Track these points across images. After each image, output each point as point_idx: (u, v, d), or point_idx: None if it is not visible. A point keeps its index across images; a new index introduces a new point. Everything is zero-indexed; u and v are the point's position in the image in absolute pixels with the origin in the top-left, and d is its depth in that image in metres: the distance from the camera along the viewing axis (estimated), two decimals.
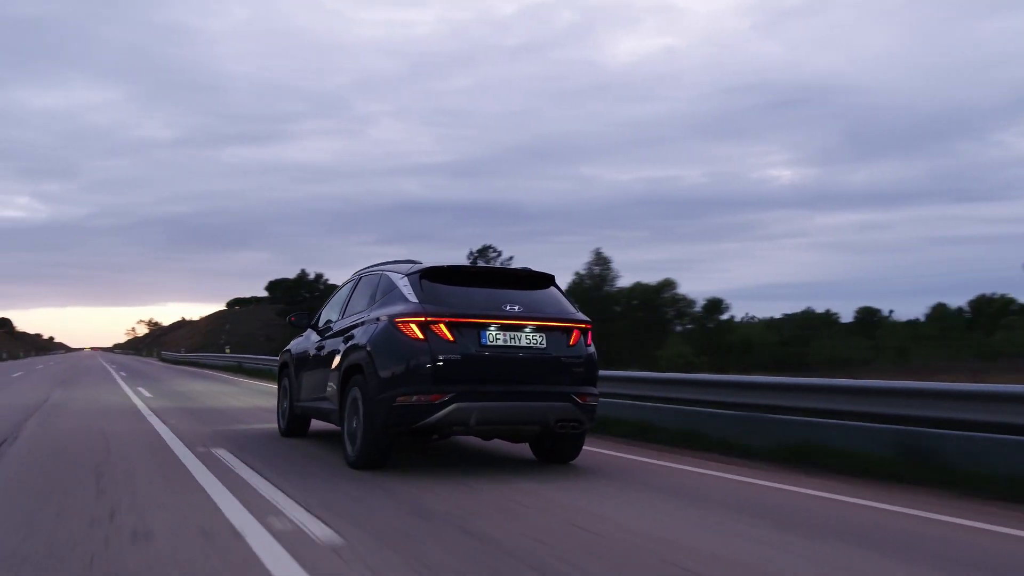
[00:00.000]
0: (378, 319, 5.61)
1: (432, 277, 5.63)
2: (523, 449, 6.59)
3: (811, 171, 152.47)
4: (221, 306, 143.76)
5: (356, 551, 3.26)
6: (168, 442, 6.89)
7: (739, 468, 5.99)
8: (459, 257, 61.41)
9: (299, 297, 75.27)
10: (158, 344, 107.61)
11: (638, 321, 68.07)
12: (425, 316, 5.27)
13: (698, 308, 67.69)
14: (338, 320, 6.62)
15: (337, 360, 6.06)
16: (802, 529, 3.94)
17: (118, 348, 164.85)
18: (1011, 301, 65.62)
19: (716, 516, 4.21)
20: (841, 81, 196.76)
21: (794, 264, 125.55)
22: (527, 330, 5.43)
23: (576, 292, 68.71)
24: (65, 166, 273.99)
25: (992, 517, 4.31)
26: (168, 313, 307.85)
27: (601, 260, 70.75)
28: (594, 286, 70.81)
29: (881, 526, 4.04)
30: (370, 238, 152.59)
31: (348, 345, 5.90)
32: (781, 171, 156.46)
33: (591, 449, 6.82)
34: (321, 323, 7.08)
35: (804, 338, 63.21)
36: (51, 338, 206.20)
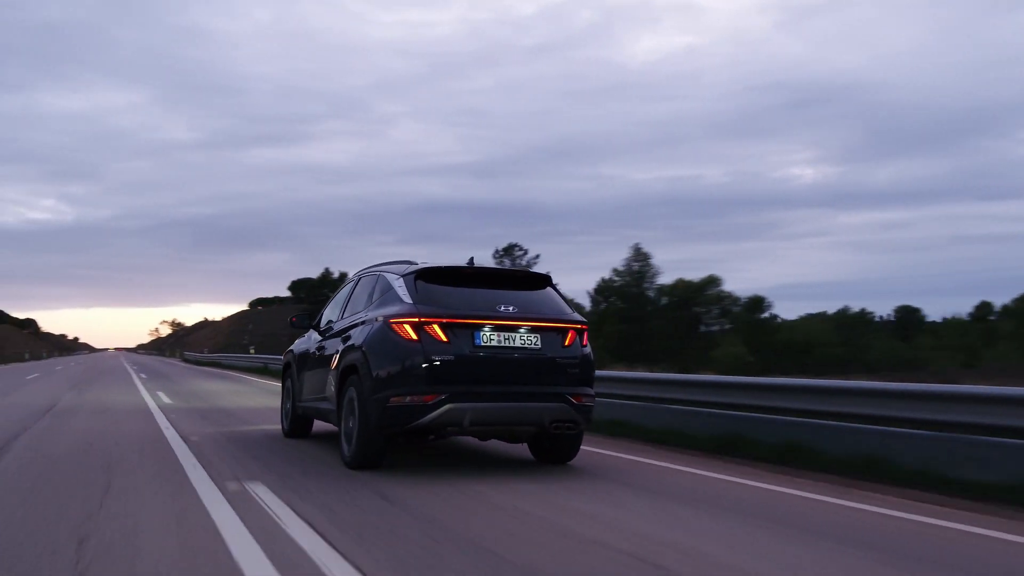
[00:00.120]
0: (374, 320, 5.92)
1: (427, 278, 5.92)
2: (522, 450, 6.85)
3: (833, 170, 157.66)
4: (243, 306, 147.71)
5: (336, 545, 3.56)
6: (169, 440, 7.33)
7: (741, 470, 6.16)
8: (484, 257, 62.37)
9: (322, 296, 76.70)
10: (181, 344, 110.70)
11: (680, 320, 67.72)
12: (419, 317, 5.56)
13: (736, 307, 67.05)
14: (338, 320, 6.96)
15: (335, 360, 6.40)
16: (799, 533, 4.10)
17: (141, 349, 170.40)
18: None
19: (707, 517, 4.41)
20: (864, 79, 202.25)
21: (816, 264, 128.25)
22: (522, 331, 5.69)
23: (612, 290, 68.65)
24: (90, 168, 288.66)
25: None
26: (191, 314, 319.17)
27: (640, 256, 70.47)
28: (633, 283, 70.62)
29: (891, 532, 4.22)
30: (390, 238, 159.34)
31: (346, 345, 6.24)
32: (803, 170, 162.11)
33: (593, 450, 7.06)
34: (322, 323, 7.44)
35: (864, 338, 62.28)
36: (76, 339, 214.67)
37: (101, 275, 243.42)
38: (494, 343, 5.61)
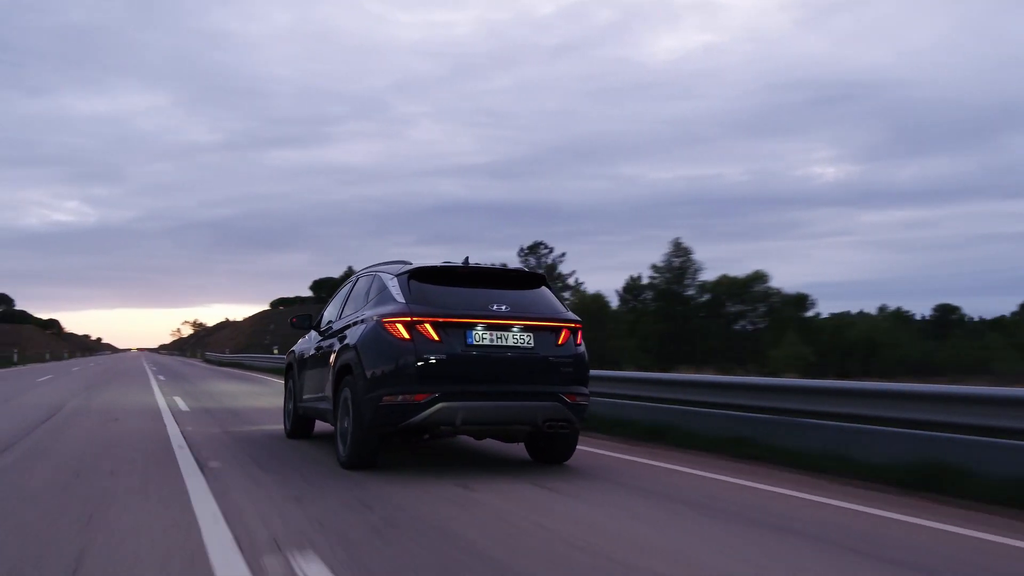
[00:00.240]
0: (368, 319, 6.28)
1: (421, 277, 6.25)
2: (519, 450, 7.17)
3: (856, 168, 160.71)
4: (265, 306, 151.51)
5: (322, 552, 3.91)
6: (172, 439, 7.79)
7: (741, 471, 6.36)
8: (509, 257, 63.41)
9: None
10: (202, 345, 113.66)
11: (727, 318, 67.27)
12: (411, 316, 5.89)
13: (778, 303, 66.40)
14: (336, 320, 7.35)
15: (332, 360, 6.78)
16: (794, 537, 4.24)
17: (163, 349, 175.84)
18: None
19: (706, 521, 4.59)
20: (887, 75, 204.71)
21: (838, 263, 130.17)
22: (514, 330, 5.99)
23: (650, 287, 68.43)
24: (113, 170, 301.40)
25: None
26: (212, 314, 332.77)
27: (681, 251, 70.12)
28: (673, 279, 70.32)
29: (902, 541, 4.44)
30: (410, 239, 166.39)
31: (341, 345, 6.61)
32: (825, 168, 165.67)
33: (592, 450, 7.35)
34: (323, 324, 7.84)
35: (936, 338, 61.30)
36: (99, 339, 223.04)
37: (124, 276, 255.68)
38: (486, 342, 5.92)
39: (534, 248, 63.87)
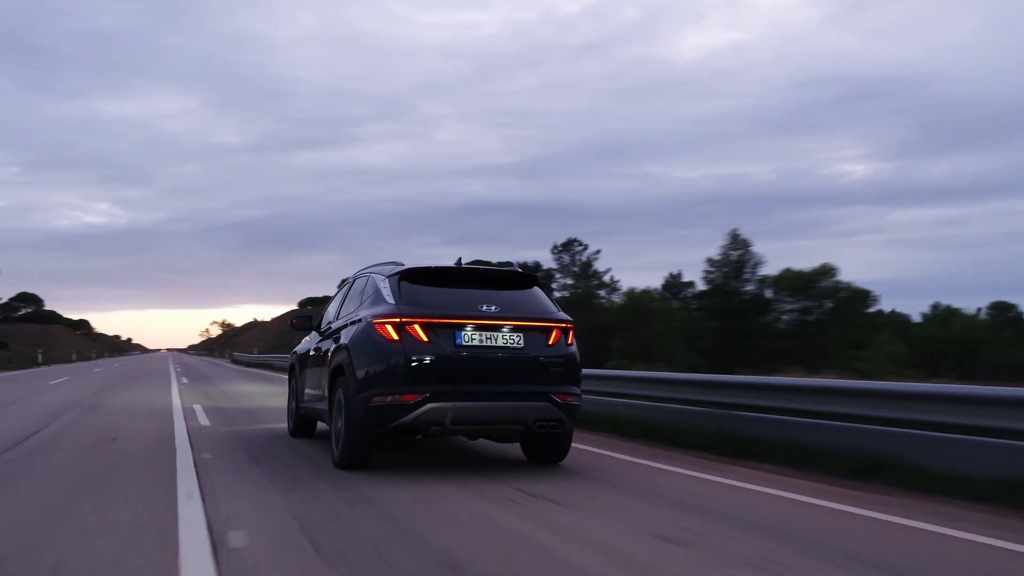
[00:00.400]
0: (360, 320, 6.80)
1: (412, 279, 6.74)
2: (515, 451, 7.63)
3: (885, 166, 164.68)
4: (292, 306, 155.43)
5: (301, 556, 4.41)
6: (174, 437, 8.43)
7: (741, 472, 6.68)
8: (541, 256, 64.54)
9: None
10: (230, 345, 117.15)
11: (799, 315, 66.55)
12: (400, 317, 6.38)
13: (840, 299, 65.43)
14: (334, 321, 7.91)
15: (328, 360, 7.32)
16: (791, 540, 4.43)
17: (191, 349, 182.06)
18: None
19: (705, 525, 4.83)
20: (917, 72, 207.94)
21: (867, 261, 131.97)
22: (504, 330, 6.44)
23: (706, 281, 68.00)
24: (142, 173, 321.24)
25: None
26: (240, 314, 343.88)
27: (739, 243, 69.52)
28: (732, 274, 69.78)
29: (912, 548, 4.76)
30: (435, 239, 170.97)
31: (336, 346, 7.15)
32: (854, 166, 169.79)
33: (592, 450, 7.79)
34: (323, 324, 8.41)
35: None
36: (129, 339, 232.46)
37: (154, 277, 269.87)
38: (476, 342, 6.37)
39: (568, 245, 64.38)
